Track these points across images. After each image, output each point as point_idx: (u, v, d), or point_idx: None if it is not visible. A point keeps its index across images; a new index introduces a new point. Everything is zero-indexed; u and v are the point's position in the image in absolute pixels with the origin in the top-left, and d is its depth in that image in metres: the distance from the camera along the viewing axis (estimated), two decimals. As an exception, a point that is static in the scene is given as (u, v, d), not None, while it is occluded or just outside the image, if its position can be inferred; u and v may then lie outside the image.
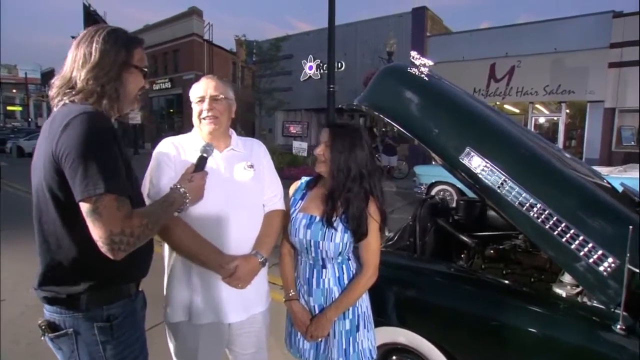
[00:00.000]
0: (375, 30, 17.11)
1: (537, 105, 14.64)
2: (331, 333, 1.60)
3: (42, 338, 1.20)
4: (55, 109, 1.18)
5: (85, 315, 1.16)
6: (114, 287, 1.21)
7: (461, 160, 1.74)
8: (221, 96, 1.57)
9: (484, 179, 1.69)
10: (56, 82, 1.21)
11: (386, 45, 13.76)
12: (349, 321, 1.61)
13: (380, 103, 2.02)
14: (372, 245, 1.57)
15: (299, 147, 12.63)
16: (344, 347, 1.59)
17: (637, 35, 11.28)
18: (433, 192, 8.14)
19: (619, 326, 1.41)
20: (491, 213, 2.86)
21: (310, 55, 19.35)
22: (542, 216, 1.57)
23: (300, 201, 1.67)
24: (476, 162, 1.71)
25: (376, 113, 2.01)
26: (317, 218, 1.59)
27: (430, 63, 2.19)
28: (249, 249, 1.57)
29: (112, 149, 1.10)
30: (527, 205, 1.60)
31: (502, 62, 14.05)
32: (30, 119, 45.99)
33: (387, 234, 2.91)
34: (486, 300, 1.75)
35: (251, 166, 1.63)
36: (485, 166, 1.69)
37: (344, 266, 1.63)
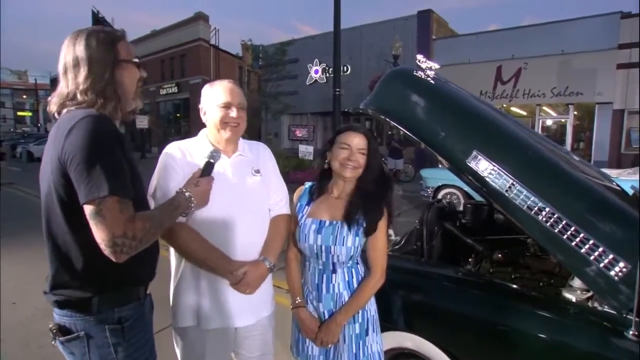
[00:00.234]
0: (381, 33, 17.11)
1: (545, 108, 14.54)
2: (341, 338, 1.59)
3: (53, 342, 1.21)
4: (59, 117, 1.19)
5: (96, 318, 1.17)
6: (124, 290, 1.23)
7: (468, 163, 1.72)
8: (245, 104, 1.60)
9: (491, 182, 1.67)
10: (54, 99, 1.21)
11: (392, 48, 13.74)
12: (359, 325, 1.61)
13: (386, 106, 2.01)
14: (380, 244, 1.59)
15: (305, 150, 12.63)
16: (354, 351, 1.59)
17: (645, 36, 11.17)
18: (440, 196, 8.10)
19: (631, 332, 1.39)
20: (499, 216, 2.83)
21: (316, 59, 19.41)
22: (551, 220, 1.55)
23: (306, 206, 1.67)
24: (483, 166, 1.69)
25: (382, 117, 2.00)
26: (327, 222, 1.59)
27: (437, 66, 2.17)
28: (256, 253, 1.58)
29: (116, 152, 1.11)
30: (536, 208, 1.58)
31: (508, 64, 13.99)
32: (39, 124, 46.65)
33: (393, 237, 2.90)
34: (494, 305, 1.73)
35: (258, 171, 1.64)
36: (493, 169, 1.67)
37: (353, 270, 1.63)
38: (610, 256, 1.45)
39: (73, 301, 1.16)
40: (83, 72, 1.17)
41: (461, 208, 3.08)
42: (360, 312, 1.60)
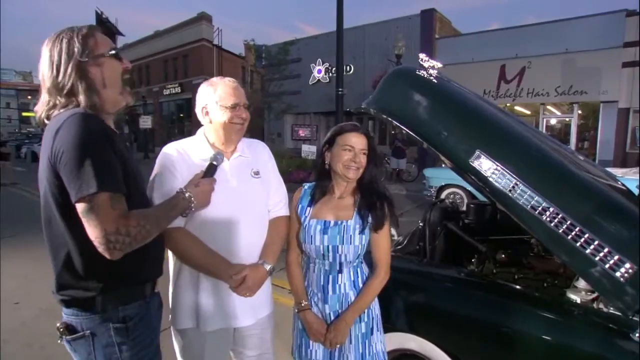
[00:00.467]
0: (384, 33, 17.06)
1: (549, 107, 14.45)
2: (347, 338, 1.60)
3: (59, 341, 1.22)
4: (49, 122, 1.19)
5: (101, 317, 1.18)
6: (127, 288, 1.23)
7: (471, 163, 1.70)
8: (248, 103, 1.59)
9: (494, 182, 1.65)
10: (37, 109, 1.21)
11: (395, 47, 13.70)
12: (365, 324, 1.62)
13: (388, 106, 2.00)
14: (384, 242, 1.62)
15: (308, 150, 12.63)
16: (360, 351, 1.60)
17: (651, 34, 11.08)
18: (443, 195, 8.07)
19: (637, 334, 1.37)
20: (502, 216, 2.81)
21: (319, 59, 19.38)
22: (555, 220, 1.53)
23: (308, 208, 1.66)
24: (486, 165, 1.67)
25: (384, 116, 1.98)
26: (332, 222, 1.59)
27: (439, 65, 2.15)
28: (256, 255, 1.57)
29: (103, 148, 1.10)
30: (540, 209, 1.56)
31: (512, 64, 13.91)
32: (44, 125, 46.75)
33: (396, 238, 2.88)
34: (498, 306, 1.71)
35: (257, 173, 1.63)
36: (496, 169, 1.65)
37: (358, 269, 1.64)
38: (616, 257, 1.42)
39: (79, 300, 1.17)
40: (49, 75, 1.17)
41: (464, 208, 3.06)
42: (365, 311, 1.61)
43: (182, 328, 1.55)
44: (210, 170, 1.44)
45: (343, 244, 1.56)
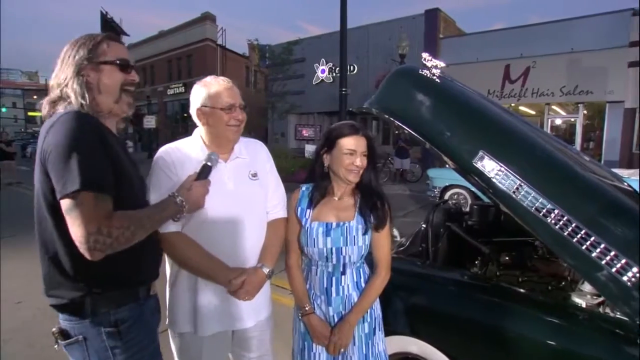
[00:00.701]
0: (388, 32, 17.04)
1: (554, 107, 14.37)
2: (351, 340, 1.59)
3: (56, 346, 1.22)
4: None
5: (92, 321, 1.17)
6: (118, 291, 1.21)
7: (474, 164, 1.67)
8: (244, 103, 1.57)
9: (498, 183, 1.62)
10: (43, 106, 1.23)
11: (399, 47, 13.66)
12: (368, 324, 1.62)
13: (391, 106, 1.97)
14: (385, 242, 1.62)
15: (312, 150, 12.61)
16: (364, 352, 1.60)
17: (658, 34, 10.97)
18: (447, 196, 8.03)
19: (644, 340, 1.33)
20: (506, 218, 2.77)
21: (323, 59, 19.39)
22: (560, 222, 1.49)
23: (308, 210, 1.64)
24: (490, 166, 1.64)
25: (386, 116, 1.96)
26: (334, 224, 1.58)
27: (442, 64, 2.13)
28: (255, 257, 1.55)
29: (93, 147, 1.09)
30: (544, 211, 1.53)
31: (516, 63, 13.84)
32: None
33: (398, 239, 2.85)
34: (501, 309, 1.68)
35: (255, 175, 1.60)
36: (500, 170, 1.62)
37: (361, 270, 1.65)
38: (623, 261, 1.39)
39: (69, 305, 1.16)
40: (56, 72, 1.22)
41: (468, 209, 3.02)
42: (368, 311, 1.61)
43: (179, 332, 1.53)
44: (204, 172, 1.41)
45: (347, 245, 1.55)
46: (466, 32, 17.39)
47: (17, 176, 12.75)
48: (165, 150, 1.52)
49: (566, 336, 1.51)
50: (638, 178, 5.11)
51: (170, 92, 28.30)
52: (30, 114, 57.37)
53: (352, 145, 1.55)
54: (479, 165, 1.66)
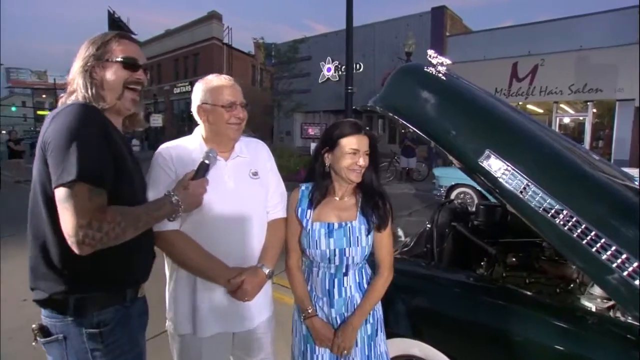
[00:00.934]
0: (394, 30, 16.97)
1: (562, 105, 14.21)
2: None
3: (34, 343, 1.18)
4: None
5: (74, 321, 1.14)
6: (104, 292, 1.18)
7: (480, 163, 1.64)
8: (245, 102, 1.55)
9: (505, 183, 1.58)
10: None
11: (405, 45, 13.58)
12: (370, 326, 1.60)
13: (395, 103, 1.94)
14: (387, 242, 1.60)
15: (317, 149, 12.57)
16: (366, 353, 1.59)
17: (669, 31, 10.78)
18: (453, 195, 7.97)
19: (656, 345, 1.29)
20: (513, 218, 2.72)
21: (329, 57, 19.34)
22: (569, 223, 1.45)
23: (309, 210, 1.60)
24: (496, 165, 1.60)
25: (391, 114, 1.93)
26: (336, 225, 1.55)
27: (448, 62, 2.09)
28: (255, 257, 1.53)
29: (94, 139, 1.08)
30: (553, 211, 1.48)
31: (524, 61, 13.70)
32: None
33: (403, 239, 2.82)
34: (507, 313, 1.64)
35: (256, 174, 1.58)
36: (507, 169, 1.58)
37: (363, 271, 1.63)
38: (635, 264, 1.34)
39: (53, 300, 1.13)
40: (71, 69, 1.24)
41: (474, 209, 2.98)
42: (370, 312, 1.60)
43: (179, 334, 1.51)
44: (202, 170, 1.39)
45: (350, 246, 1.53)
46: (473, 29, 17.25)
47: (25, 174, 12.87)
48: (165, 148, 1.51)
49: (575, 341, 1.46)
50: None
51: (176, 90, 28.43)
52: (39, 112, 57.96)
53: (354, 145, 1.52)
54: (485, 164, 1.62)
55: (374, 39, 17.87)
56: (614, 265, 1.36)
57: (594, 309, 1.59)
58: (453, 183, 8.05)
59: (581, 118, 13.96)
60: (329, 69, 19.60)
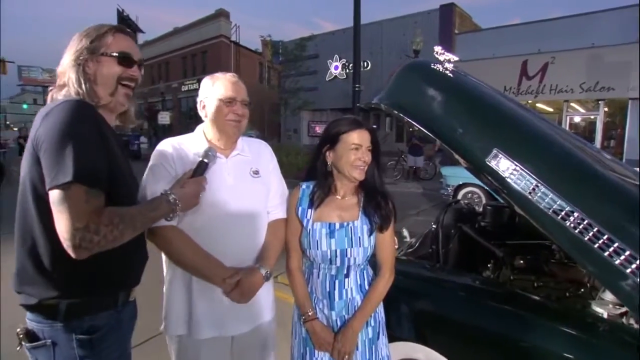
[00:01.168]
0: (402, 28, 16.88)
1: (573, 104, 14.02)
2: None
3: (18, 348, 1.14)
4: None
5: (64, 326, 1.09)
6: (97, 296, 1.14)
7: (488, 162, 1.58)
8: (248, 100, 1.52)
9: (513, 183, 1.53)
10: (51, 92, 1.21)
11: (413, 43, 13.47)
12: (372, 328, 1.57)
13: (401, 101, 1.89)
14: (389, 242, 1.57)
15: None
16: (367, 357, 1.55)
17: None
18: (460, 195, 7.89)
19: (672, 355, 1.23)
20: (521, 219, 2.66)
21: (336, 55, 19.30)
22: (580, 226, 1.39)
23: (309, 210, 1.56)
24: (504, 165, 1.55)
25: (396, 112, 1.88)
26: (337, 225, 1.51)
27: (455, 58, 2.05)
28: (252, 258, 1.49)
29: (90, 139, 1.04)
30: (563, 213, 1.42)
31: (534, 59, 13.53)
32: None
33: (408, 239, 2.77)
34: (514, 318, 1.59)
35: (257, 172, 1.55)
36: (515, 169, 1.53)
37: (364, 272, 1.59)
38: (650, 269, 1.28)
39: (40, 305, 1.08)
40: (63, 60, 1.19)
41: (480, 209, 2.92)
42: (372, 315, 1.56)
43: (174, 335, 1.47)
44: (200, 168, 1.36)
45: (352, 246, 1.49)
46: (482, 27, 17.08)
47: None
48: (166, 144, 1.49)
49: (584, 349, 1.41)
50: None
51: (184, 88, 28.59)
52: (49, 110, 58.64)
53: (356, 140, 1.48)
54: (492, 164, 1.57)
55: (382, 37, 17.79)
56: (628, 270, 1.29)
57: (605, 316, 1.52)
58: (461, 182, 7.97)
59: (592, 117, 13.76)
60: (336, 67, 19.56)
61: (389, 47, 17.59)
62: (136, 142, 20.10)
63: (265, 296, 1.56)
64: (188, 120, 28.82)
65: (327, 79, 19.95)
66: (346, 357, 1.50)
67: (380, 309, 1.61)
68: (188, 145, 1.49)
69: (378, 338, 1.58)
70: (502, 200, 2.78)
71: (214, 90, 1.49)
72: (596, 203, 1.46)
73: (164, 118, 22.73)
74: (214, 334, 1.45)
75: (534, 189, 1.49)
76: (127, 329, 1.26)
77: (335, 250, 1.49)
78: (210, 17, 27.23)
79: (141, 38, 32.22)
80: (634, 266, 1.29)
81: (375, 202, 1.54)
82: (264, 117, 23.08)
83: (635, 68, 11.68)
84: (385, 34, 17.76)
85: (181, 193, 1.27)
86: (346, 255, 1.49)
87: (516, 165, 1.52)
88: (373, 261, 1.61)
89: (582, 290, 1.92)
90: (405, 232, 2.82)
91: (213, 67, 25.86)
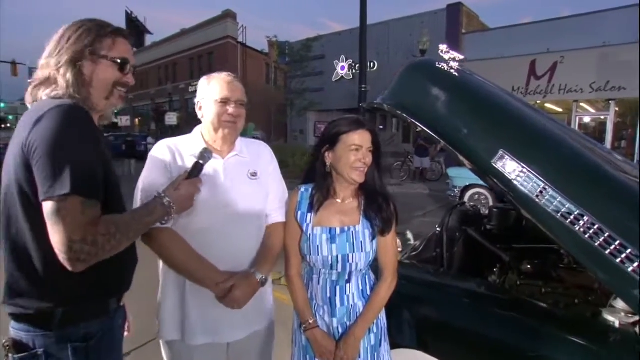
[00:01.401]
0: (409, 28, 16.79)
1: (582, 104, 13.83)
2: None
3: None
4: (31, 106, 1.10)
5: (58, 335, 1.05)
6: (91, 303, 1.10)
7: (494, 164, 1.53)
8: (245, 100, 1.49)
9: (519, 186, 1.47)
10: (29, 88, 1.14)
11: (419, 43, 13.38)
12: (374, 335, 1.53)
13: (404, 101, 1.85)
14: (391, 245, 1.54)
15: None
16: None
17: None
18: (467, 196, 7.82)
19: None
20: (528, 222, 2.59)
21: (343, 55, 19.25)
22: (591, 231, 1.33)
23: (309, 214, 1.52)
24: (511, 167, 1.50)
25: (399, 112, 1.83)
26: (338, 229, 1.47)
27: (460, 57, 1.99)
28: (248, 262, 1.45)
29: (86, 148, 1.00)
30: (572, 217, 1.37)
31: (543, 59, 13.36)
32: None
33: (412, 242, 2.72)
34: (520, 326, 1.53)
35: (254, 174, 1.51)
36: (522, 171, 1.47)
37: (366, 277, 1.55)
38: (665, 277, 1.22)
39: (31, 314, 1.04)
40: (53, 50, 1.11)
41: (487, 211, 2.86)
42: (374, 321, 1.52)
43: (168, 340, 1.44)
44: (195, 170, 1.32)
45: (354, 252, 1.45)
46: (490, 27, 16.92)
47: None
48: (162, 146, 1.46)
49: (593, 359, 1.35)
50: None
51: (191, 89, 28.69)
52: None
53: (357, 141, 1.44)
54: (498, 165, 1.52)
55: (389, 37, 17.71)
56: (641, 278, 1.23)
57: (617, 324, 1.45)
58: (467, 184, 7.89)
59: (602, 117, 13.57)
60: (342, 68, 19.51)
61: (395, 47, 17.51)
62: (143, 142, 20.26)
63: (262, 302, 1.52)
64: (195, 121, 28.94)
65: (333, 80, 19.90)
66: None
67: (383, 315, 1.57)
68: (185, 147, 1.46)
69: (380, 345, 1.54)
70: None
71: (209, 90, 1.46)
72: (607, 206, 1.41)
73: (172, 119, 22.85)
74: (207, 340, 1.41)
75: (541, 192, 1.43)
76: (119, 334, 1.24)
77: (337, 256, 1.45)
78: (217, 18, 27.37)
79: (149, 39, 32.45)
80: (647, 274, 1.22)
81: (377, 205, 1.50)
82: (271, 118, 23.11)
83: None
84: (392, 34, 17.68)
85: (176, 195, 1.23)
86: (348, 261, 1.45)
87: (523, 167, 1.47)
88: (375, 265, 1.57)
89: (592, 297, 1.85)
90: (410, 235, 2.77)
91: (220, 68, 25.65)
